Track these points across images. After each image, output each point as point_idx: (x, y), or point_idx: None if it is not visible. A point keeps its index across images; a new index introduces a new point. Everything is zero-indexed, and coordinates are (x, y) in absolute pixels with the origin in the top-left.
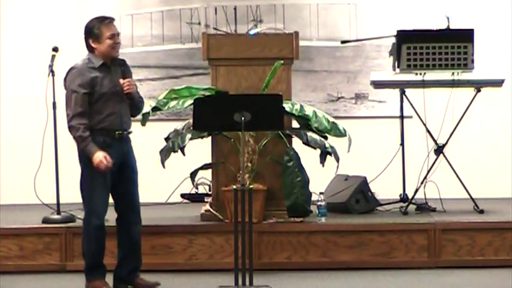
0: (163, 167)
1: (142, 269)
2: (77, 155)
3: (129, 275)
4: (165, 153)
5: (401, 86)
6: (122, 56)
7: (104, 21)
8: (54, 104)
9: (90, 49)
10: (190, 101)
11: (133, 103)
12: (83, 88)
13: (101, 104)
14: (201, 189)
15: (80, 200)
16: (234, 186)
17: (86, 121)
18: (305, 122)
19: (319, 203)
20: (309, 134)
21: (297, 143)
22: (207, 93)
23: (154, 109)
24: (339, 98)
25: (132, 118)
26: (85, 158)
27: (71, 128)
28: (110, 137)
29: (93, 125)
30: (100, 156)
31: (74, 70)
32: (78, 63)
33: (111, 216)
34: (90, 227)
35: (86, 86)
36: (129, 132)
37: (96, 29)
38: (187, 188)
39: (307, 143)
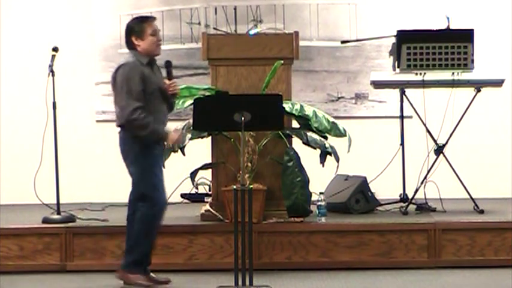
0: (164, 167)
1: None
2: (122, 154)
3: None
4: (165, 153)
5: (401, 86)
6: (122, 56)
7: (146, 19)
8: (54, 104)
9: (132, 47)
10: (190, 101)
11: (171, 102)
12: (139, 84)
13: (149, 101)
14: (201, 189)
15: (80, 200)
16: (234, 186)
17: (145, 112)
18: (305, 122)
19: (319, 203)
20: (309, 134)
21: (297, 143)
22: (207, 93)
23: None
24: (339, 98)
25: None
26: (139, 152)
27: (133, 121)
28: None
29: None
30: (173, 139)
31: (126, 66)
32: (128, 59)
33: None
34: (156, 220)
35: (141, 82)
36: None
37: (139, 26)
38: (187, 188)
39: (307, 143)
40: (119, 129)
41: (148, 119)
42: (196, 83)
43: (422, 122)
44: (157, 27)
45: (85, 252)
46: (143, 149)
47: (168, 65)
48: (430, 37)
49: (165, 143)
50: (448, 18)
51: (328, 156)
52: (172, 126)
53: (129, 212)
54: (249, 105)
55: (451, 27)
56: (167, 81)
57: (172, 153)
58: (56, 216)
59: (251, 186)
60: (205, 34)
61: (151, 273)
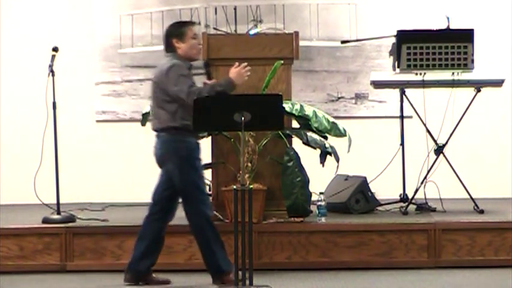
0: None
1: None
2: (161, 157)
3: (148, 269)
4: None
5: (401, 86)
6: (122, 56)
7: (187, 22)
8: (54, 104)
9: (172, 49)
10: None
11: None
12: (191, 78)
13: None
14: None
15: (80, 200)
16: (234, 186)
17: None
18: (305, 122)
19: (319, 203)
20: (309, 134)
21: (297, 143)
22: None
23: None
24: (339, 98)
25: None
26: (185, 158)
27: (195, 94)
28: (197, 137)
29: (187, 125)
30: (236, 74)
31: (176, 66)
32: (173, 61)
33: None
34: (209, 219)
35: (191, 78)
36: None
37: (180, 30)
38: None
39: (307, 143)
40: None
41: (204, 88)
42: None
43: (422, 122)
44: (197, 31)
45: (85, 252)
46: (188, 153)
47: (207, 65)
48: (430, 37)
49: (234, 82)
50: (448, 18)
51: (328, 156)
52: None
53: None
54: (249, 105)
55: (451, 27)
56: (208, 82)
57: None
58: (56, 216)
59: (251, 186)
60: (205, 34)
61: (153, 274)
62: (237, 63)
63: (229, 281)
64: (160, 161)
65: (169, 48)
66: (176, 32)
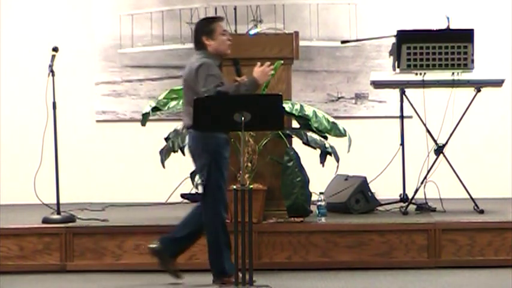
0: (163, 167)
1: (143, 268)
2: (192, 152)
3: (173, 253)
4: (165, 153)
5: (401, 86)
6: (122, 56)
7: (215, 19)
8: (54, 104)
9: (202, 46)
10: None
11: None
12: (219, 78)
13: None
14: (201, 189)
15: (80, 200)
16: (234, 186)
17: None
18: (305, 122)
19: (319, 203)
20: (309, 134)
21: (297, 143)
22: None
23: (154, 109)
24: (339, 98)
25: None
26: (212, 152)
27: (220, 93)
28: (228, 135)
29: None
30: (259, 73)
31: (206, 64)
32: (203, 59)
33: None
34: (222, 219)
35: (220, 78)
36: None
37: (209, 26)
38: (187, 188)
39: (307, 143)
40: (121, 129)
41: (230, 86)
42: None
43: (422, 122)
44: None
45: (85, 252)
46: (216, 149)
47: (237, 62)
48: (430, 37)
49: (257, 81)
50: (448, 18)
51: (328, 156)
52: (173, 126)
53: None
54: (249, 105)
55: (451, 27)
56: (238, 79)
57: (172, 153)
58: (56, 216)
59: (251, 186)
60: None
61: (176, 261)
62: (259, 63)
63: (230, 283)
64: (192, 157)
65: (199, 45)
66: (205, 29)
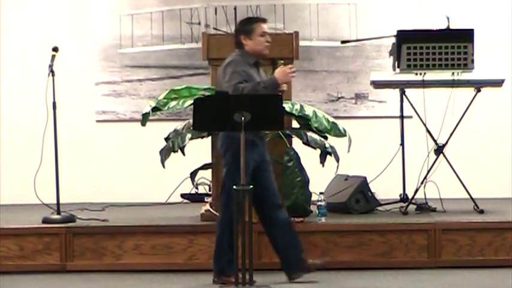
0: (163, 167)
1: (143, 268)
2: (219, 150)
3: (297, 261)
4: (165, 153)
5: (401, 86)
6: (122, 56)
7: (256, 19)
8: (54, 104)
9: (239, 45)
10: (190, 101)
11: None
12: (244, 74)
13: None
14: (201, 189)
15: (80, 200)
16: (234, 186)
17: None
18: (305, 122)
19: (319, 203)
20: (309, 134)
21: (297, 143)
22: (207, 93)
23: (154, 109)
24: (339, 98)
25: None
26: (233, 153)
27: (239, 91)
28: (257, 136)
29: None
30: (280, 74)
31: (232, 62)
32: (234, 57)
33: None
34: (227, 223)
35: (245, 75)
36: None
37: (248, 26)
38: (187, 188)
39: (307, 143)
40: (121, 129)
41: (249, 83)
42: (196, 83)
43: (422, 122)
44: (267, 29)
45: (85, 252)
46: (238, 150)
47: (274, 62)
48: (430, 37)
49: (280, 87)
50: (448, 18)
51: (328, 156)
52: (173, 126)
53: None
54: (249, 105)
55: (451, 27)
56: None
57: (172, 153)
58: (56, 216)
59: (251, 186)
60: (205, 34)
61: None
62: (282, 65)
63: (229, 283)
64: (220, 156)
65: (237, 44)
66: (244, 28)
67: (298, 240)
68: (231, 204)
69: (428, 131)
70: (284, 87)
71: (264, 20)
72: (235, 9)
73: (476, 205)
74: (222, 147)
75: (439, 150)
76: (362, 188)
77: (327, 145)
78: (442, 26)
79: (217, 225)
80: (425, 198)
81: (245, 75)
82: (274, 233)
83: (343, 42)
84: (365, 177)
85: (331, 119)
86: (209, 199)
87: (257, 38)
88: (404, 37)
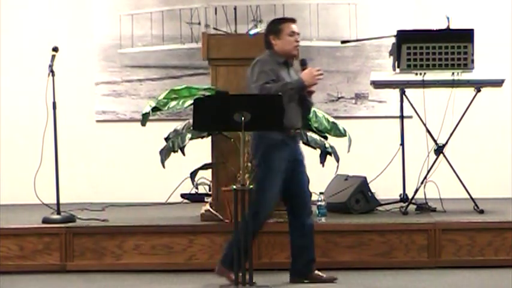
0: (163, 167)
1: (143, 268)
2: (251, 150)
3: (305, 267)
4: (165, 153)
5: (401, 86)
6: (122, 56)
7: (285, 20)
8: (54, 104)
9: (269, 45)
10: (190, 101)
11: (309, 102)
12: (271, 74)
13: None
14: (201, 189)
15: (80, 200)
16: (234, 186)
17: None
18: (305, 122)
19: (319, 203)
20: (309, 134)
21: None
22: (207, 93)
23: (154, 109)
24: (339, 98)
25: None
26: (262, 153)
27: (265, 90)
28: (287, 135)
29: None
30: (307, 75)
31: (259, 61)
32: (262, 57)
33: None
34: (260, 223)
35: (273, 74)
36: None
37: (277, 26)
38: (187, 188)
39: (307, 143)
40: (121, 129)
41: (276, 84)
42: (196, 83)
43: (422, 122)
44: (296, 29)
45: (85, 252)
46: (266, 149)
47: (304, 63)
48: (430, 37)
49: (304, 82)
50: (448, 18)
51: (328, 156)
52: (173, 126)
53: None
54: (249, 105)
55: (451, 27)
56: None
57: (172, 153)
58: (56, 216)
59: (251, 186)
60: (205, 34)
61: (316, 271)
62: (308, 67)
63: (229, 278)
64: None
65: (267, 44)
66: (273, 29)
67: (313, 249)
68: (258, 205)
69: (428, 131)
70: (313, 88)
71: (293, 20)
72: (235, 9)
73: (476, 205)
74: (251, 148)
75: (439, 150)
76: (362, 188)
77: (327, 145)
78: (442, 26)
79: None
80: (425, 198)
81: (272, 75)
82: (295, 235)
83: (343, 42)
84: (365, 177)
85: (331, 119)
86: (209, 199)
87: (286, 37)
88: (404, 37)
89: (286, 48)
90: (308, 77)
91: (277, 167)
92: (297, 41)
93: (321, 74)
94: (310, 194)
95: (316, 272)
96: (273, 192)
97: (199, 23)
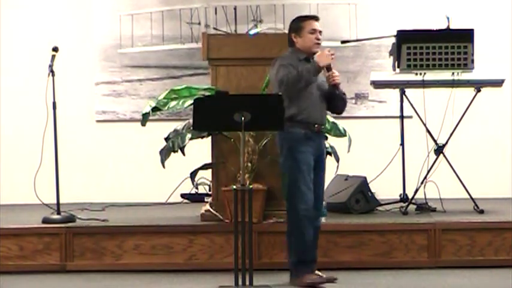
0: (163, 167)
1: (143, 268)
2: (278, 147)
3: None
4: (165, 153)
5: (401, 86)
6: (122, 56)
7: (306, 18)
8: (54, 104)
9: (291, 43)
10: (190, 101)
11: (337, 97)
12: (290, 68)
13: (303, 97)
14: (201, 189)
15: (80, 200)
16: (234, 186)
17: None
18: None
19: None
20: None
21: None
22: (207, 93)
23: (154, 109)
24: None
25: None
26: (288, 148)
27: (283, 82)
28: (310, 130)
29: (292, 116)
30: (319, 57)
31: (279, 58)
32: (283, 54)
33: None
34: (300, 214)
35: (292, 68)
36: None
37: (298, 24)
38: (187, 188)
39: None
40: (121, 129)
41: (293, 72)
42: (196, 83)
43: (422, 122)
44: (318, 26)
45: (85, 252)
46: (291, 144)
47: (329, 67)
48: (430, 37)
49: (318, 63)
50: (448, 18)
51: (328, 156)
52: (173, 126)
53: None
54: (249, 105)
55: (451, 27)
56: (326, 73)
57: (172, 153)
58: (56, 216)
59: (251, 186)
60: (205, 34)
61: (316, 271)
62: (323, 50)
63: (315, 279)
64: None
65: (289, 42)
66: (295, 26)
67: (316, 250)
68: (294, 199)
69: (428, 131)
70: (336, 79)
71: (315, 18)
72: (235, 9)
73: (476, 205)
74: (279, 145)
75: (439, 150)
76: (362, 188)
77: (327, 145)
78: (442, 26)
79: (287, 222)
80: (425, 198)
81: (292, 68)
82: None
83: (343, 42)
84: (365, 177)
85: (331, 119)
86: (209, 199)
87: (306, 35)
88: (404, 37)
89: (306, 46)
90: (321, 58)
91: (303, 159)
92: (318, 39)
93: (332, 54)
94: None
95: (316, 272)
96: (306, 183)
97: (199, 23)
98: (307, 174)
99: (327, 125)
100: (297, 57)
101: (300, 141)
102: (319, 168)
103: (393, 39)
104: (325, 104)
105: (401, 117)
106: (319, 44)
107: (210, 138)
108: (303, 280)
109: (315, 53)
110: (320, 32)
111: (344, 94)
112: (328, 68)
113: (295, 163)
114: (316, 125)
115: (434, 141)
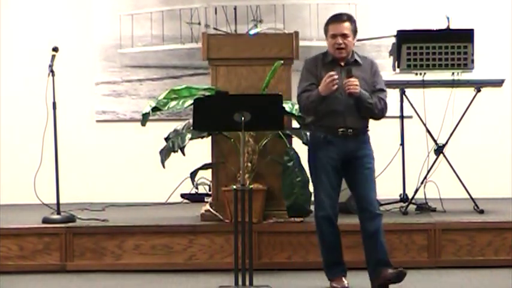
0: (163, 167)
1: (143, 268)
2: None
3: (374, 270)
4: (165, 153)
5: (402, 86)
6: (122, 56)
7: (330, 21)
8: (54, 104)
9: None
10: (190, 101)
11: (359, 105)
12: (310, 77)
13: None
14: (201, 189)
15: (80, 200)
16: (234, 186)
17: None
18: (305, 122)
19: None
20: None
21: (297, 143)
22: (207, 93)
23: (154, 109)
24: None
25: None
26: (309, 151)
27: (300, 107)
28: (332, 134)
29: (313, 122)
30: (322, 84)
31: (305, 61)
32: (318, 54)
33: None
34: (318, 219)
35: (312, 76)
36: (360, 131)
37: (325, 27)
38: (187, 188)
39: (307, 143)
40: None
41: (307, 97)
42: (196, 83)
43: (422, 122)
44: (342, 29)
45: (85, 252)
46: (312, 148)
47: (348, 70)
48: (430, 37)
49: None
50: (448, 18)
51: None
52: (173, 126)
53: None
54: (249, 105)
55: (451, 27)
56: (345, 80)
57: (172, 153)
58: (56, 216)
59: (251, 186)
60: (205, 34)
61: (388, 269)
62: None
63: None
64: None
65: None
66: (324, 28)
67: (381, 252)
68: (316, 205)
69: (428, 131)
70: (352, 89)
71: (337, 20)
72: (235, 9)
73: (476, 205)
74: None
75: (439, 150)
76: None
77: None
78: (442, 26)
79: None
80: (425, 198)
81: (312, 77)
82: (363, 239)
83: None
84: None
85: None
86: (209, 199)
87: (329, 39)
88: (404, 37)
89: (330, 50)
90: (323, 88)
91: (322, 164)
92: (338, 43)
93: (333, 79)
94: (310, 194)
95: (343, 279)
96: (324, 189)
97: (199, 23)
98: (326, 180)
99: None
100: (323, 60)
101: (319, 145)
102: (353, 169)
103: (393, 39)
104: (355, 107)
105: (401, 117)
106: (339, 49)
107: (210, 138)
108: (330, 284)
109: (337, 59)
110: (343, 35)
111: (370, 103)
112: (349, 73)
113: (314, 170)
114: (340, 129)
115: (434, 141)
